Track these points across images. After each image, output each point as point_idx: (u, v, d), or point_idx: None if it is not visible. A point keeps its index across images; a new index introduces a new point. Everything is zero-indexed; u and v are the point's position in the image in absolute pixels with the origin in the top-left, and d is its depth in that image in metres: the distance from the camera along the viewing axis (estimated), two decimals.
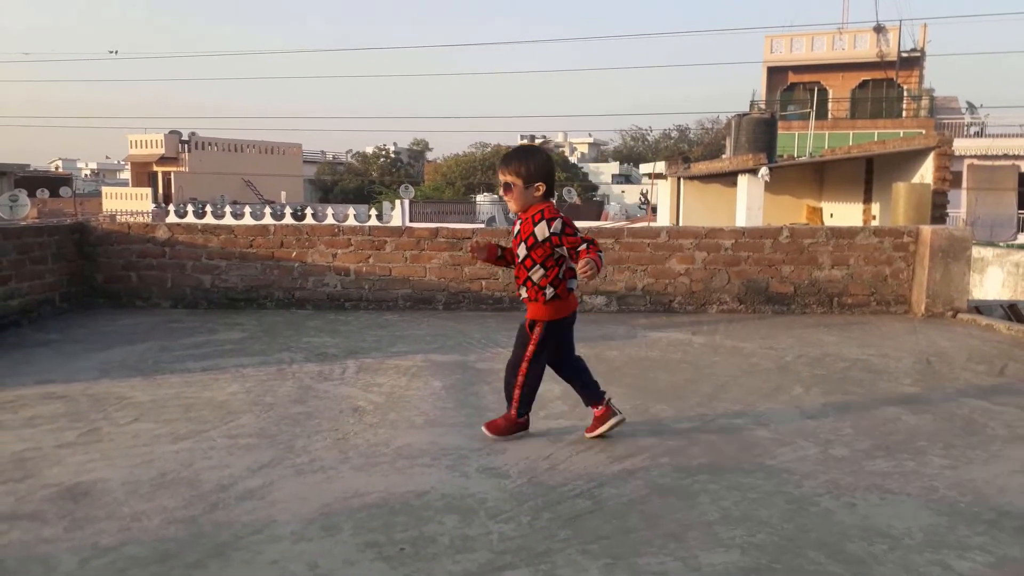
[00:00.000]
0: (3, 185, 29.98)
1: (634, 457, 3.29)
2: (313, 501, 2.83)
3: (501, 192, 3.38)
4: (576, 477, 3.07)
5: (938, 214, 13.11)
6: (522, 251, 3.34)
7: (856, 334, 6.08)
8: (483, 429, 3.53)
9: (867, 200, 16.63)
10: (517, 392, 3.45)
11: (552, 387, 4.38)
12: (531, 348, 3.41)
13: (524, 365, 3.42)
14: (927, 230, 7.08)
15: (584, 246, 3.23)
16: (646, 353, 5.31)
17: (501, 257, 3.53)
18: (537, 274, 3.33)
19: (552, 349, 3.47)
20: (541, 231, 3.29)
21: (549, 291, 3.35)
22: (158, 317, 6.51)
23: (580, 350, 5.43)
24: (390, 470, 3.14)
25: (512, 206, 3.38)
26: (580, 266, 3.16)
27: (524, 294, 3.40)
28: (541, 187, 3.33)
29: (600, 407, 3.51)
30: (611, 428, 3.49)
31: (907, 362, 5.14)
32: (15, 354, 5.11)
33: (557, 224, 3.28)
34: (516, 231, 3.39)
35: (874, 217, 16.11)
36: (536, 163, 3.33)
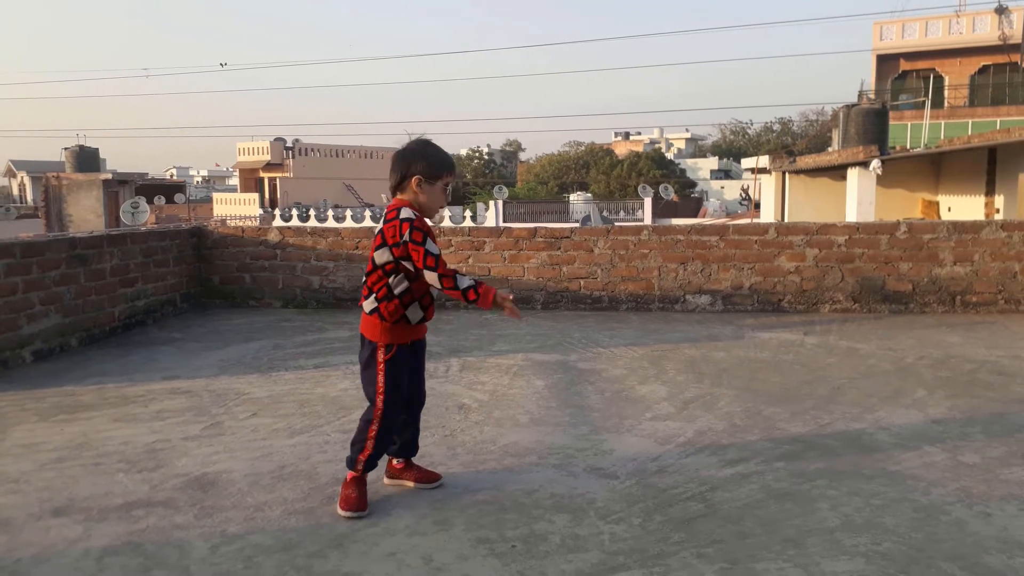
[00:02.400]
0: (125, 193, 31.86)
1: (747, 461, 3.19)
2: (425, 496, 2.88)
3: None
4: (687, 480, 3.00)
5: None
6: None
7: (983, 334, 5.71)
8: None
9: (989, 193, 15.66)
10: None
11: (657, 389, 4.32)
12: None
13: None
14: None
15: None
16: (755, 354, 5.15)
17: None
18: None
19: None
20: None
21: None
22: (270, 316, 6.79)
23: (686, 351, 5.38)
24: (498, 467, 3.16)
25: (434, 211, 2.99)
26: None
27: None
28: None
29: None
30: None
31: None
32: (142, 351, 5.44)
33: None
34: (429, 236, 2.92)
35: (997, 210, 15.17)
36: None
